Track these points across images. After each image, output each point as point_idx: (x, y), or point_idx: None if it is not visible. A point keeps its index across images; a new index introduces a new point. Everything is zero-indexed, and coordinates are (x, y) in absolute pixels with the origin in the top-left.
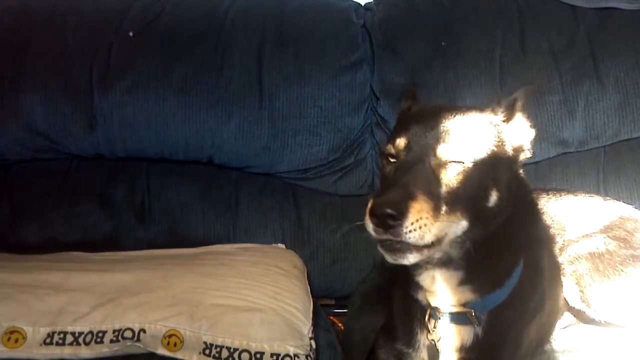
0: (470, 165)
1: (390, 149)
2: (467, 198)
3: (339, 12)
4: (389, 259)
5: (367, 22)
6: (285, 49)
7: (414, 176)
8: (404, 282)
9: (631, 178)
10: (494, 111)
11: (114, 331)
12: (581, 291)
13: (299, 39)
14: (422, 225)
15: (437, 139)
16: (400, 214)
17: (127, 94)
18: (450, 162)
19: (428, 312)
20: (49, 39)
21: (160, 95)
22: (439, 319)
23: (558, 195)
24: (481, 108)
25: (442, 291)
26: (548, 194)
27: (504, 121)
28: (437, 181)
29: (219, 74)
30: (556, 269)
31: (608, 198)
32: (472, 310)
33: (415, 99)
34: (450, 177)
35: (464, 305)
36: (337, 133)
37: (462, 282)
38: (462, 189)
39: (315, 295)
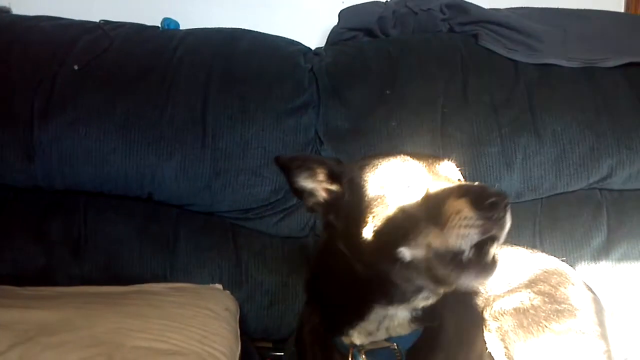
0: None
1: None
2: None
3: (287, 55)
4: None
5: (315, 67)
6: (231, 89)
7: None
8: (328, 323)
9: (566, 231)
10: None
11: None
12: (506, 347)
13: (245, 80)
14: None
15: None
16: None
17: (68, 127)
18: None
19: (351, 352)
20: None
21: (101, 130)
22: (361, 357)
23: None
24: None
25: (386, 329)
26: None
27: None
28: None
29: (163, 111)
30: (473, 319)
31: (535, 250)
32: (396, 344)
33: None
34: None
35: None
36: (280, 175)
37: (414, 320)
38: None
39: (252, 337)
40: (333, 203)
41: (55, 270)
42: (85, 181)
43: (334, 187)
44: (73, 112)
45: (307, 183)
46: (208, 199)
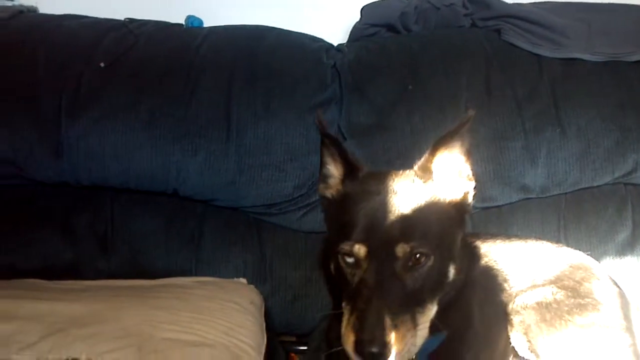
0: (434, 254)
1: (348, 251)
2: (432, 286)
3: (310, 52)
4: None
5: (338, 63)
6: (255, 86)
7: (388, 296)
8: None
9: (591, 226)
10: (423, 176)
11: None
12: (529, 341)
13: (268, 77)
14: (409, 345)
15: (398, 240)
16: (388, 350)
17: (95, 124)
18: (415, 262)
19: None
20: (18, 69)
21: (127, 126)
22: None
23: (508, 241)
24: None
25: None
26: (496, 240)
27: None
28: (407, 287)
29: (188, 108)
30: (495, 315)
31: (560, 245)
32: (414, 355)
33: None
34: (418, 276)
35: None
36: (304, 170)
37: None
38: (428, 281)
39: (276, 331)
40: (332, 202)
41: (83, 264)
42: (112, 177)
43: (340, 188)
44: (99, 109)
45: (332, 168)
46: (233, 194)
